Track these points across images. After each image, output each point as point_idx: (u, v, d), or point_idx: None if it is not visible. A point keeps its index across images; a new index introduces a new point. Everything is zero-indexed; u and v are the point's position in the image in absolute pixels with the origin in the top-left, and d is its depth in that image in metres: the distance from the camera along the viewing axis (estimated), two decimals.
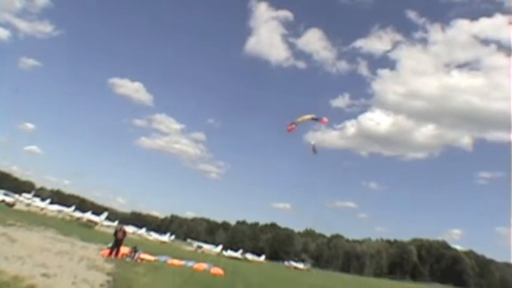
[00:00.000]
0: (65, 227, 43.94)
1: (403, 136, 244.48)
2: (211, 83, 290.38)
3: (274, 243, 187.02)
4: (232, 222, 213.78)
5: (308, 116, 39.42)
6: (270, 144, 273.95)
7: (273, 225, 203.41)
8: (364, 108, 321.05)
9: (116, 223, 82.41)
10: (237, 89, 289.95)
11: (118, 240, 26.78)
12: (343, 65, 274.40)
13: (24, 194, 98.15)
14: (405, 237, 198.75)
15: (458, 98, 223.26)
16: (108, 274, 16.08)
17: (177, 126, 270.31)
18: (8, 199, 73.93)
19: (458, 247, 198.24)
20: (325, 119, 39.86)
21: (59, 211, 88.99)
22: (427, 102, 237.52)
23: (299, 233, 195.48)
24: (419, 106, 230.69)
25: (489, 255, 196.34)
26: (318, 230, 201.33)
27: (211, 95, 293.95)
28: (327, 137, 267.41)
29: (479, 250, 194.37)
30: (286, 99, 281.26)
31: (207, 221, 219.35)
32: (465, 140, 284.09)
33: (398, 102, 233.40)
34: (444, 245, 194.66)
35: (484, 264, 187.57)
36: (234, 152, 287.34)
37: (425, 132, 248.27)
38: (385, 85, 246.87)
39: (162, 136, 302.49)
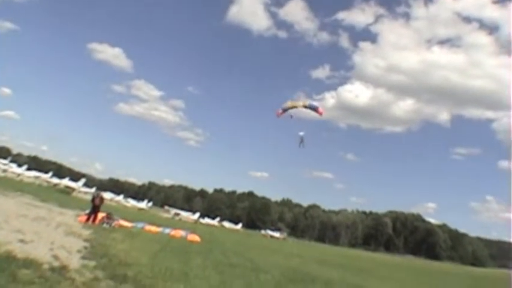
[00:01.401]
0: (42, 193, 43.80)
1: (382, 109, 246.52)
2: (191, 51, 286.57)
3: (251, 211, 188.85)
4: (210, 190, 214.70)
5: (300, 103, 38.81)
6: (249, 113, 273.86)
7: (251, 194, 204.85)
8: (344, 80, 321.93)
9: (93, 189, 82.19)
10: (218, 58, 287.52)
11: (95, 207, 26.86)
12: (324, 36, 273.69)
13: (0, 160, 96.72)
14: (381, 209, 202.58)
15: (438, 74, 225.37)
16: (86, 240, 16.33)
17: (156, 93, 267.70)
18: None
19: (432, 220, 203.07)
20: (321, 110, 39.36)
21: (36, 177, 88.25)
22: (407, 77, 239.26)
23: (276, 202, 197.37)
24: (399, 80, 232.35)
25: (462, 229, 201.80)
26: (294, 200, 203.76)
27: (191, 63, 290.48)
28: None
29: (453, 224, 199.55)
30: (267, 69, 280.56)
31: (185, 188, 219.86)
32: (443, 115, 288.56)
33: (378, 75, 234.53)
34: (419, 218, 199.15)
35: (456, 238, 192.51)
36: (212, 120, 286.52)
37: (404, 106, 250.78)
38: (366, 58, 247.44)
39: (141, 103, 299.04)
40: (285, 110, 39.06)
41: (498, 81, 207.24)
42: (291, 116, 39.18)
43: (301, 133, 34.98)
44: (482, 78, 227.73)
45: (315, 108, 38.66)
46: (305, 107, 38.13)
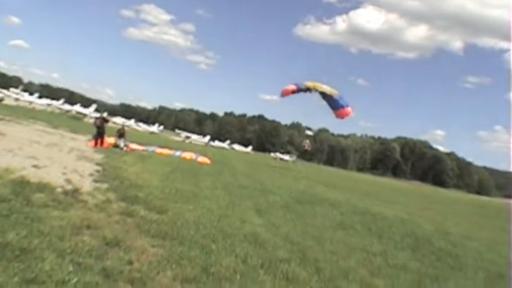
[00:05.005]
0: (54, 120, 44.19)
1: (394, 35, 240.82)
2: None
3: (261, 134, 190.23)
4: (220, 113, 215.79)
5: (325, 88, 35.52)
6: (259, 35, 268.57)
7: (261, 117, 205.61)
8: (356, 5, 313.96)
9: (105, 115, 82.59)
10: None
11: (98, 128, 26.79)
12: None
13: (12, 89, 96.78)
14: (389, 134, 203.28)
15: (453, 1, 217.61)
16: (97, 164, 16.65)
17: (166, 16, 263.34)
18: None
19: (440, 148, 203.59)
20: (348, 110, 36.07)
21: (48, 105, 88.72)
22: (421, 3, 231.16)
23: (286, 126, 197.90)
24: (413, 6, 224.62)
25: (469, 158, 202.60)
26: (304, 123, 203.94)
27: None
28: (317, 31, 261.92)
29: (460, 152, 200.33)
30: None
31: (196, 112, 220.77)
32: (456, 43, 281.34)
33: (391, 0, 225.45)
34: (427, 145, 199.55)
35: (463, 167, 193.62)
36: (223, 43, 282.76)
37: (417, 32, 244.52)
38: None
39: (150, 27, 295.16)
40: (301, 90, 36.43)
41: None
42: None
43: (310, 132, 33.29)
44: (499, 7, 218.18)
45: (341, 107, 35.55)
46: (323, 95, 34.89)
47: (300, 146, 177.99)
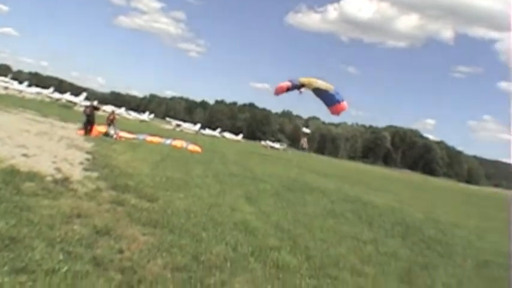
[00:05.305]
0: (44, 108, 43.80)
1: (385, 24, 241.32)
2: None
3: (252, 123, 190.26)
4: (211, 101, 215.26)
5: (320, 84, 34.56)
6: (251, 23, 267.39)
7: (251, 105, 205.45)
8: None
9: (95, 103, 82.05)
10: None
11: (88, 116, 26.59)
12: None
13: (1, 78, 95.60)
14: (380, 123, 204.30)
15: None
16: (88, 152, 16.56)
17: (156, 4, 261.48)
18: None
19: (430, 137, 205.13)
20: (343, 105, 35.08)
21: (38, 93, 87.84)
22: None
23: (276, 114, 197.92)
24: None
25: (459, 147, 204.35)
26: (295, 111, 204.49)
27: None
28: (308, 19, 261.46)
29: (451, 142, 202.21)
30: None
31: (186, 100, 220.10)
32: (447, 33, 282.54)
33: None
34: (417, 134, 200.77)
35: (453, 156, 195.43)
36: (214, 31, 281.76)
37: (408, 21, 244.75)
38: None
39: (141, 15, 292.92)
40: (295, 87, 35.65)
41: (505, 2, 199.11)
42: (300, 92, 35.84)
43: (307, 130, 33.07)
44: None
45: (337, 102, 34.73)
46: (318, 91, 33.88)
47: (291, 135, 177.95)
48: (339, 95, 35.05)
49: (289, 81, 35.81)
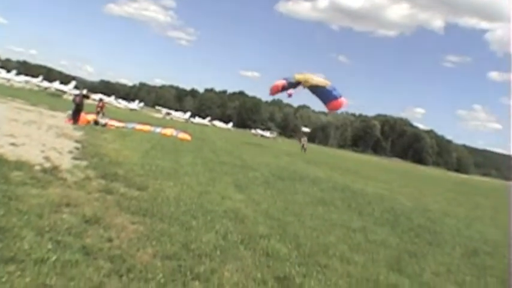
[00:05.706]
0: (33, 97, 43.47)
1: (376, 12, 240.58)
2: None
3: (242, 111, 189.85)
4: (201, 89, 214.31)
5: (318, 81, 33.60)
6: (241, 11, 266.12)
7: (241, 94, 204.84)
8: None
9: (84, 92, 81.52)
10: None
11: (77, 105, 26.49)
12: None
13: None
14: (370, 112, 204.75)
15: None
16: (77, 141, 16.48)
17: None
18: None
19: (420, 126, 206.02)
20: (341, 101, 34.14)
21: (26, 82, 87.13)
22: None
23: (266, 102, 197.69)
24: None
25: (449, 136, 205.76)
26: (285, 100, 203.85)
27: None
28: (299, 7, 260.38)
29: (440, 131, 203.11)
30: None
31: (176, 88, 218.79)
32: (437, 22, 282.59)
33: None
34: (407, 123, 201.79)
35: (443, 144, 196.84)
36: (204, 19, 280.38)
37: (399, 10, 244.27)
38: None
39: (130, 3, 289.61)
40: (291, 85, 34.81)
41: None
42: (290, 96, 35.18)
43: (306, 129, 32.47)
44: None
45: (334, 98, 33.92)
46: (314, 88, 33.03)
47: (281, 123, 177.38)
48: (336, 91, 34.58)
49: (285, 79, 35.15)
